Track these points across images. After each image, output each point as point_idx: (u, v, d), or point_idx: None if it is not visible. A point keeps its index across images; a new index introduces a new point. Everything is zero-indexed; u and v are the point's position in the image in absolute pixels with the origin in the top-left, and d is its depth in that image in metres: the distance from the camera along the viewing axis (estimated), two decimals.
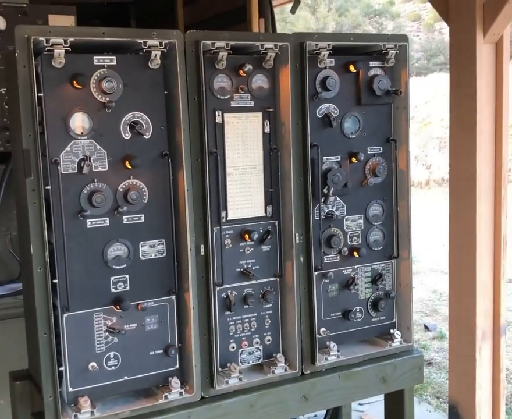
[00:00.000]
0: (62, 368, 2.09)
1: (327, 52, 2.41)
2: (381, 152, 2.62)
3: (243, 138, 2.35)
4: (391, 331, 2.67)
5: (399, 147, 2.62)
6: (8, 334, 3.09)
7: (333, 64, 2.48)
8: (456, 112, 3.61)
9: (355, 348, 2.63)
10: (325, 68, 2.46)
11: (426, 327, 6.65)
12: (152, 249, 2.22)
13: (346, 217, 2.58)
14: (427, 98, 19.46)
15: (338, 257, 2.57)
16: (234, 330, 2.39)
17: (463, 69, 3.50)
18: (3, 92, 3.35)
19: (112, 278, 2.17)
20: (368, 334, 2.67)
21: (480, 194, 3.53)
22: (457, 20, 3.56)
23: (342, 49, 2.49)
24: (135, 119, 2.15)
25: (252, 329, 2.42)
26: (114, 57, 2.11)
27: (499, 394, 3.67)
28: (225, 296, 2.36)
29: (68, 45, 1.99)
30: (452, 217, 3.69)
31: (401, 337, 2.67)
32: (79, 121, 2.07)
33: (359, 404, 4.55)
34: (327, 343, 2.52)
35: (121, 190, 2.15)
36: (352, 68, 2.51)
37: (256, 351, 2.44)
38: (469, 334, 3.62)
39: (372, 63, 2.56)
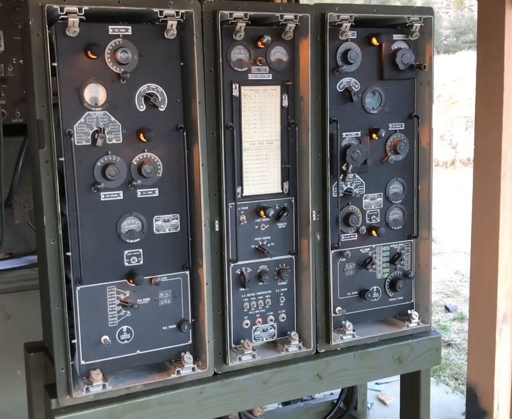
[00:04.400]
0: (75, 341, 2.09)
1: (349, 24, 2.34)
2: (403, 128, 2.55)
3: (260, 112, 2.30)
4: (409, 311, 2.62)
5: (422, 124, 2.55)
6: (25, 306, 3.12)
7: (355, 37, 2.41)
8: (482, 88, 3.50)
9: (371, 328, 2.59)
10: (347, 40, 2.39)
11: (447, 309, 6.58)
12: (166, 223, 2.20)
13: (365, 195, 2.52)
14: (455, 76, 19.10)
15: (356, 236, 2.52)
16: (248, 307, 2.36)
17: (491, 45, 3.39)
18: (22, 63, 3.35)
19: (126, 252, 2.15)
20: (385, 314, 2.63)
21: (505, 173, 3.44)
22: None
23: (365, 21, 2.42)
24: (150, 91, 2.11)
25: (267, 306, 2.39)
26: (130, 27, 2.07)
27: None
28: (239, 273, 2.33)
29: (82, 14, 1.96)
30: (475, 197, 3.60)
31: (419, 318, 2.62)
32: (93, 92, 2.04)
33: (376, 384, 4.52)
34: (343, 322, 2.48)
35: (135, 163, 2.12)
36: (374, 41, 2.44)
37: (270, 329, 2.42)
38: (490, 316, 3.55)
39: (395, 36, 2.48)
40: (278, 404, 3.82)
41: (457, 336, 5.91)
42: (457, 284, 7.49)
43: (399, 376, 2.87)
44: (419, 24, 2.46)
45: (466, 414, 3.63)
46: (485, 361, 3.59)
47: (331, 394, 3.77)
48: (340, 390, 3.35)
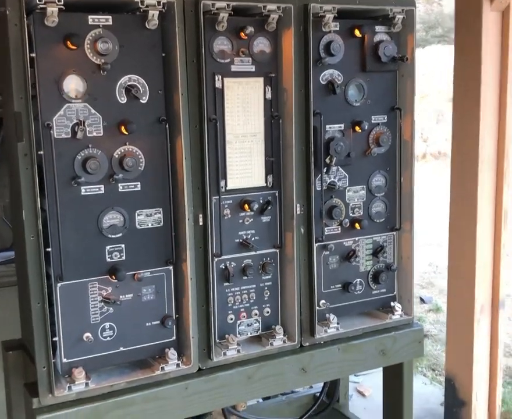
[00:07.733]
0: (56, 339, 2.05)
1: (332, 15, 2.33)
2: (385, 121, 2.54)
3: (244, 104, 2.27)
4: (392, 304, 2.63)
5: (404, 116, 2.55)
6: (0, 303, 3.04)
7: (337, 29, 2.40)
8: (460, 80, 3.52)
9: (355, 321, 2.59)
10: (329, 32, 2.38)
11: (422, 300, 6.65)
12: (148, 218, 2.16)
13: (348, 188, 2.51)
14: (425, 70, 19.28)
15: (339, 229, 2.52)
16: (232, 302, 2.34)
17: (468, 37, 3.41)
18: None
19: (107, 247, 2.11)
20: (368, 307, 2.64)
21: (482, 165, 3.47)
22: None
23: (347, 12, 2.40)
24: (132, 82, 2.07)
25: (251, 301, 2.37)
26: (110, 17, 2.02)
27: (496, 368, 3.66)
28: (223, 267, 2.30)
29: (61, 3, 1.90)
30: (453, 188, 3.63)
31: (402, 310, 2.63)
32: (73, 84, 1.99)
33: (355, 375, 4.53)
34: (327, 315, 2.48)
35: (116, 156, 2.07)
36: (357, 33, 2.43)
37: (255, 323, 2.40)
38: (468, 307, 3.59)
39: (378, 28, 2.47)
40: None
41: (433, 327, 5.97)
42: (431, 275, 7.58)
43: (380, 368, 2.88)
44: (401, 16, 2.46)
45: (445, 404, 3.67)
46: (463, 351, 3.62)
47: (311, 387, 3.77)
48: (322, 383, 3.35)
